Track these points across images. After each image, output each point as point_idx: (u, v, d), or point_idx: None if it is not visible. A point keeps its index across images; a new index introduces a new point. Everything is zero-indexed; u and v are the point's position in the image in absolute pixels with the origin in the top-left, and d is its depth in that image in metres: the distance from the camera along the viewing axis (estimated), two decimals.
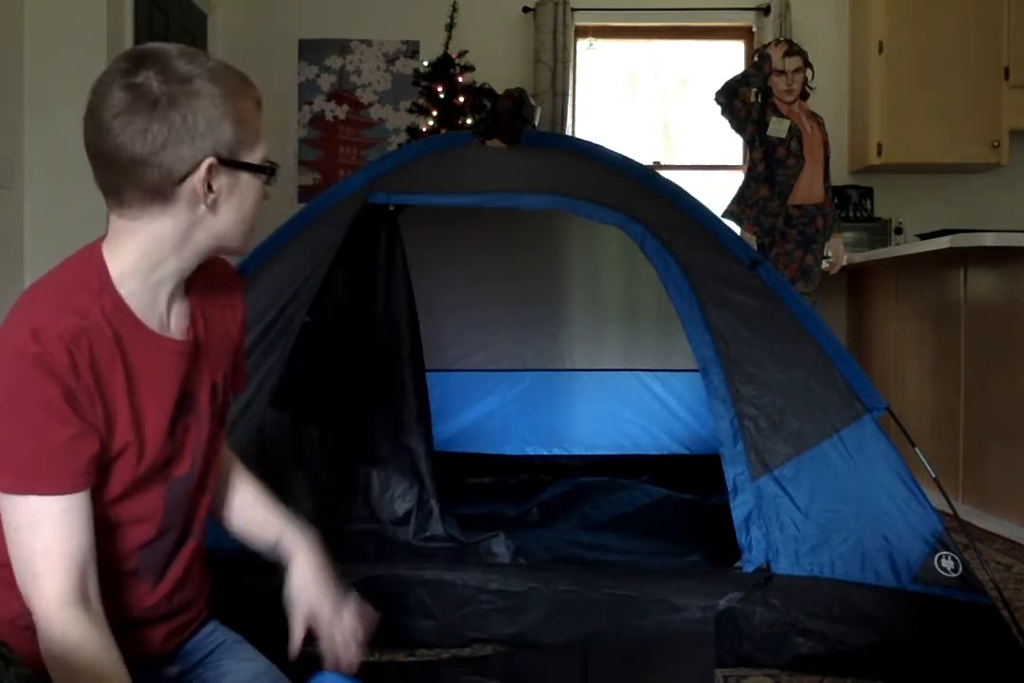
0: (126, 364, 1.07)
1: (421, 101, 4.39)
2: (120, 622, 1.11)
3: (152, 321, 1.11)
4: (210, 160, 1.04)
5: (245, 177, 1.09)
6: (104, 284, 1.07)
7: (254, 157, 1.10)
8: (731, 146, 4.89)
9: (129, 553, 1.13)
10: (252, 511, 1.35)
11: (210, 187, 1.06)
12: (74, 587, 1.02)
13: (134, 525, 1.13)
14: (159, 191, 1.04)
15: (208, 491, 1.26)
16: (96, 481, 1.06)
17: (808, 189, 3.61)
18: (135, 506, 1.12)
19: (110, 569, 1.10)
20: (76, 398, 1.01)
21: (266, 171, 1.11)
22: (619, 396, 3.50)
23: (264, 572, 1.33)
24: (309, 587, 1.27)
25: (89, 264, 1.09)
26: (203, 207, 1.07)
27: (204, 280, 1.20)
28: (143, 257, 1.08)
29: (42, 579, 1.01)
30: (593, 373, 3.52)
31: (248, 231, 1.14)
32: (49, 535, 1.02)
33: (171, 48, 1.06)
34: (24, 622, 1.05)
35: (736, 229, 3.54)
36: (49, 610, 1.01)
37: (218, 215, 1.09)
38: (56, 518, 1.02)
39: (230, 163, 1.07)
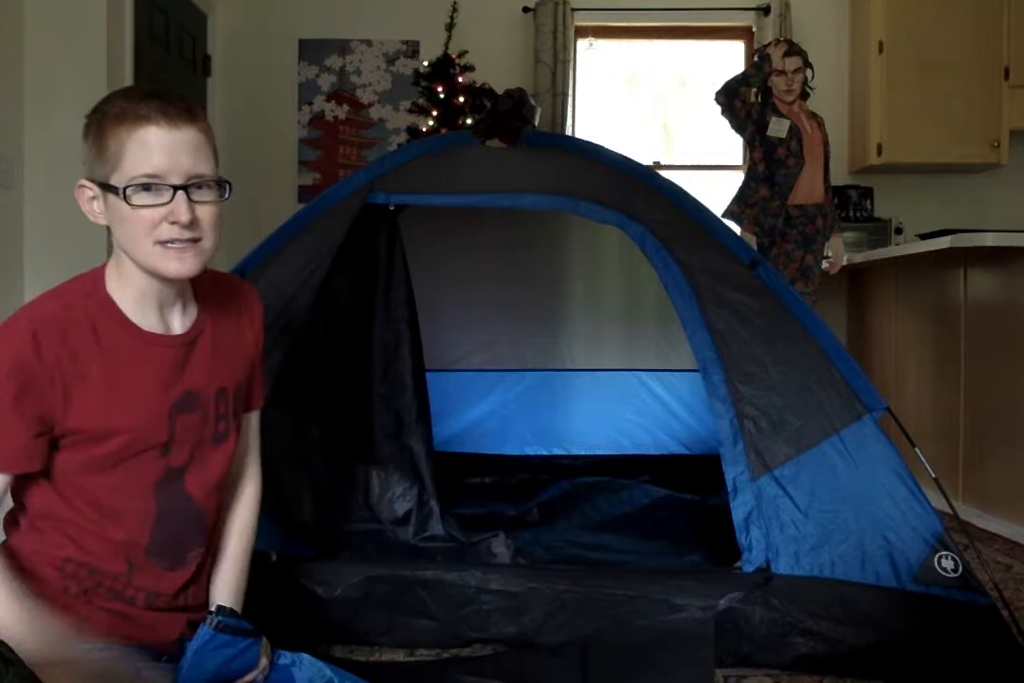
0: (104, 353, 1.20)
1: (421, 101, 4.38)
2: (148, 604, 1.25)
3: (145, 321, 1.26)
4: (80, 181, 1.22)
5: (111, 197, 1.17)
6: (97, 287, 1.24)
7: (117, 178, 1.15)
8: (731, 146, 4.89)
9: (135, 530, 1.24)
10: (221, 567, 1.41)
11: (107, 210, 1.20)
12: None
13: (130, 501, 1.23)
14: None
15: (213, 503, 1.36)
16: (75, 456, 1.18)
17: (808, 189, 3.61)
18: (129, 485, 1.23)
19: (125, 541, 1.22)
20: (33, 377, 1.13)
21: (116, 191, 1.15)
22: (619, 396, 3.49)
23: (265, 572, 1.33)
24: None
25: (92, 273, 1.27)
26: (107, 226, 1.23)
27: (218, 293, 1.35)
28: (118, 266, 1.25)
29: None
30: (593, 373, 3.52)
31: (153, 252, 1.18)
32: None
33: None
34: None
35: (736, 229, 3.53)
36: None
37: (117, 234, 1.20)
38: None
39: (97, 184, 1.18)
